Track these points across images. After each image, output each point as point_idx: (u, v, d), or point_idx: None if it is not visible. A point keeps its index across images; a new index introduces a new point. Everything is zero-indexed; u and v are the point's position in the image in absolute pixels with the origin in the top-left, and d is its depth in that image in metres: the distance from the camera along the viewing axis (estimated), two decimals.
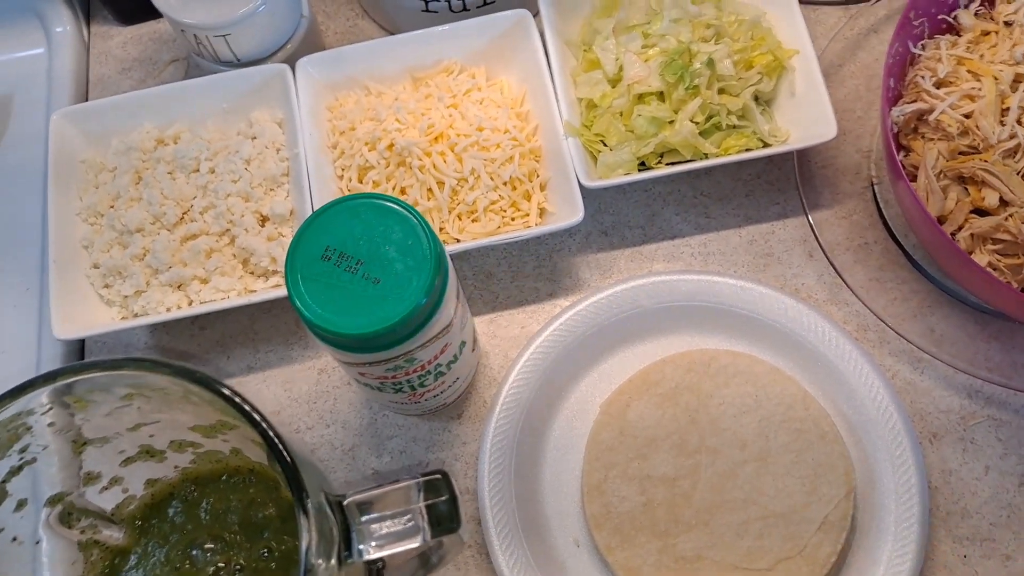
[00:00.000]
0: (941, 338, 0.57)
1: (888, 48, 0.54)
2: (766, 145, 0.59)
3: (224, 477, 0.45)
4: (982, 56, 0.57)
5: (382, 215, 0.44)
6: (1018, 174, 0.54)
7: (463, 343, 0.52)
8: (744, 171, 0.63)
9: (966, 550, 0.53)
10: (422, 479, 0.36)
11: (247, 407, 0.34)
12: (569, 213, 0.56)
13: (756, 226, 0.62)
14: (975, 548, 0.53)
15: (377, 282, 0.43)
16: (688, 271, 0.59)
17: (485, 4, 0.64)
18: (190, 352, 0.62)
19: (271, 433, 0.33)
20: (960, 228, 0.55)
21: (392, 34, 0.69)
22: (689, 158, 0.59)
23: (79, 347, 0.62)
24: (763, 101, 0.61)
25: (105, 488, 0.43)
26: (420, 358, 0.47)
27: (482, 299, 0.62)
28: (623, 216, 0.63)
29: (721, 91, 0.59)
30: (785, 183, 0.63)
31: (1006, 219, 0.53)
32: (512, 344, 0.60)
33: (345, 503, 0.35)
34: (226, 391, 0.34)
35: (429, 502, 0.35)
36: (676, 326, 0.59)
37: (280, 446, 0.33)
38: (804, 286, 0.60)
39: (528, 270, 0.62)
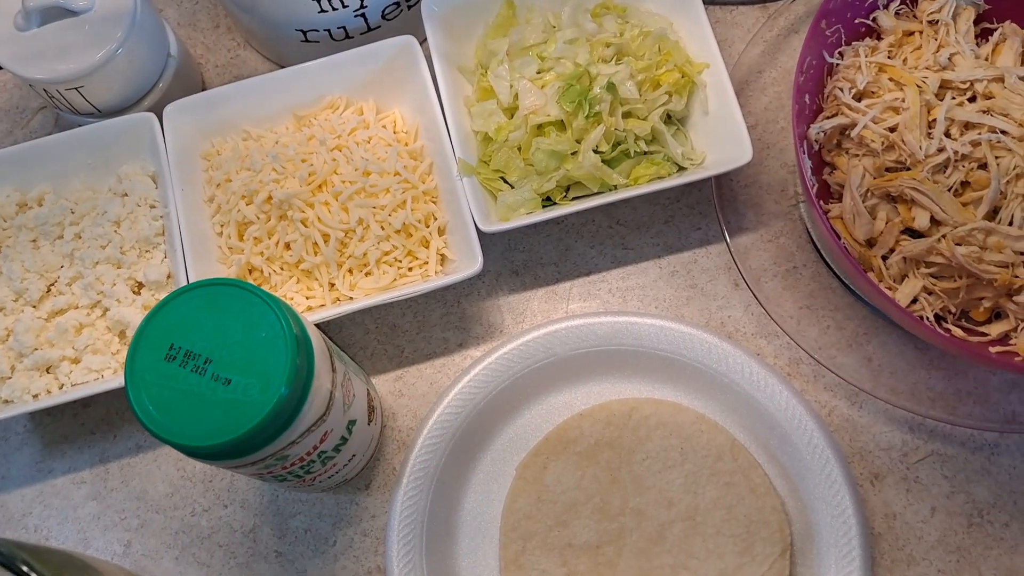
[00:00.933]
0: (879, 368, 0.53)
1: (798, 62, 0.49)
2: (681, 169, 0.55)
3: None
4: (905, 61, 0.52)
5: (231, 302, 0.39)
6: (949, 190, 0.49)
7: (352, 422, 0.47)
8: (662, 195, 0.58)
9: None
10: None
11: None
12: (468, 263, 0.52)
13: (677, 255, 0.57)
14: None
15: (228, 383, 0.38)
16: (605, 312, 0.54)
17: (369, 30, 0.59)
18: (73, 434, 0.57)
19: None
20: (892, 250, 0.51)
21: (278, 64, 0.64)
22: (597, 191, 0.54)
23: None
24: (676, 120, 0.56)
25: None
26: (295, 453, 0.42)
27: (386, 354, 0.57)
28: (535, 253, 0.58)
29: (627, 115, 0.54)
30: (706, 205, 0.58)
31: (938, 241, 0.49)
32: (421, 402, 0.56)
33: None
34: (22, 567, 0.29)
35: None
36: (595, 373, 0.54)
37: None
38: (731, 319, 0.56)
39: (435, 319, 0.57)
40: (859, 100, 0.51)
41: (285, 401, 0.38)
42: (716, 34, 0.61)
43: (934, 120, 0.50)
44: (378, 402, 0.53)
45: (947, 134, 0.49)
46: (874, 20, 0.53)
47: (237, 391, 0.38)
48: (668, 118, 0.56)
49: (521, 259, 0.58)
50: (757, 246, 0.56)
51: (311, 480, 0.47)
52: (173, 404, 0.38)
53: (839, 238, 0.47)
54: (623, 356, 0.54)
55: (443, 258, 0.54)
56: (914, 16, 0.54)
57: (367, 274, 0.53)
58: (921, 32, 0.53)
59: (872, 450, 0.52)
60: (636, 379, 0.54)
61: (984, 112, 0.49)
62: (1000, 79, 0.50)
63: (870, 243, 0.52)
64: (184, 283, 0.52)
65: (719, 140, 0.54)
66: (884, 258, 0.51)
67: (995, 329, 0.50)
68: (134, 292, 0.54)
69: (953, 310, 0.50)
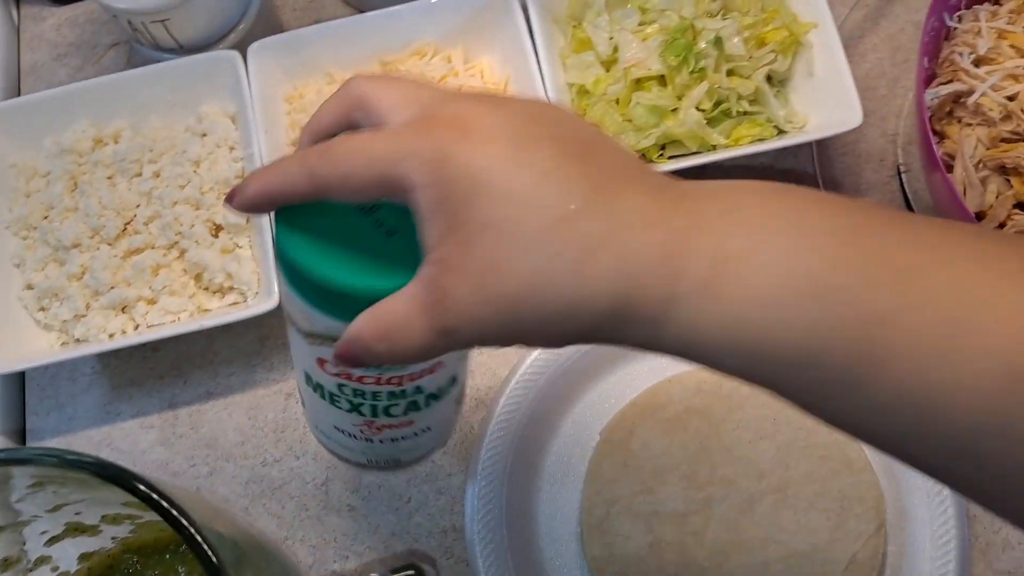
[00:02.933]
0: None
1: (924, 23, 0.47)
2: (781, 132, 0.53)
3: (171, 546, 0.39)
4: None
5: None
6: None
7: (453, 379, 0.44)
8: (756, 160, 0.56)
9: None
10: None
11: (165, 504, 0.27)
12: None
13: None
14: None
15: (392, 234, 0.32)
16: None
17: None
18: (141, 378, 0.55)
19: (197, 537, 0.27)
20: (1002, 225, 0.49)
21: (357, 8, 0.62)
22: (695, 150, 0.52)
23: (19, 379, 0.56)
24: (777, 82, 0.54)
25: (30, 570, 0.37)
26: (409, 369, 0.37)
27: None
28: None
29: (730, 73, 0.52)
30: (801, 173, 0.56)
31: None
32: (501, 363, 0.54)
33: None
34: (141, 487, 0.28)
35: None
36: None
37: (208, 552, 0.27)
38: None
39: None
40: (977, 66, 0.49)
41: None
42: None
43: None
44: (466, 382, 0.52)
45: None
46: None
47: (399, 246, 0.31)
48: (768, 79, 0.54)
49: None
50: None
51: (377, 429, 0.41)
52: (323, 235, 0.32)
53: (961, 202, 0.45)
54: None
55: None
56: None
57: None
58: None
59: None
60: None
61: None
62: None
63: (979, 216, 0.50)
64: (267, 227, 0.51)
65: (824, 103, 0.52)
66: None
67: None
68: (212, 235, 0.53)
69: None
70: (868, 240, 0.23)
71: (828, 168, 0.55)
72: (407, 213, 0.30)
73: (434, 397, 0.43)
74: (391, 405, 0.40)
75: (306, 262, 0.31)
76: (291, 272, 0.32)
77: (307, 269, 0.31)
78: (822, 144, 0.55)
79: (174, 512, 0.27)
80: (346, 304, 0.32)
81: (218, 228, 0.53)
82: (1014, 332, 0.22)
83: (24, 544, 0.37)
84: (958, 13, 0.51)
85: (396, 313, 0.26)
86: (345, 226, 0.31)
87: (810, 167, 0.55)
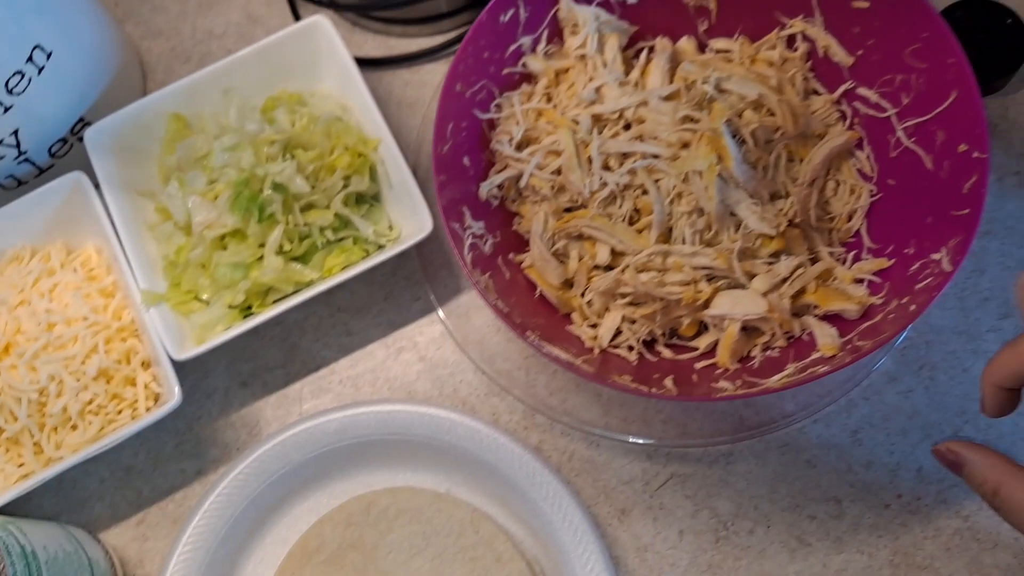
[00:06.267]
0: (609, 402, 0.53)
1: (436, 131, 0.48)
2: (380, 248, 0.54)
3: None
4: (559, 102, 0.52)
5: None
6: (625, 220, 0.50)
7: None
8: (376, 273, 0.57)
9: None
10: None
11: None
12: (167, 394, 0.50)
13: (401, 331, 0.56)
14: None
15: None
16: (331, 409, 0.53)
17: (42, 173, 0.57)
18: None
19: None
20: (584, 290, 0.51)
21: None
22: (293, 290, 0.53)
23: None
24: (370, 198, 0.55)
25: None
26: None
27: (125, 500, 0.54)
28: (261, 359, 0.56)
29: (309, 207, 0.53)
30: (421, 274, 0.57)
31: (622, 272, 0.49)
32: (167, 542, 0.53)
33: None
34: None
35: None
36: (335, 471, 0.53)
37: None
38: (463, 383, 0.55)
39: (169, 451, 0.55)
40: (524, 148, 0.51)
41: None
42: (407, 96, 0.61)
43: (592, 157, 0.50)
44: (116, 562, 0.51)
45: (607, 167, 0.50)
46: (524, 66, 0.53)
47: None
48: (359, 199, 0.55)
49: (248, 369, 0.56)
50: (477, 304, 0.56)
51: None
52: None
53: (503, 311, 0.46)
54: (360, 448, 0.53)
55: (156, 392, 0.52)
56: (564, 54, 0.54)
57: (73, 428, 0.51)
58: (574, 67, 0.53)
59: (615, 486, 0.52)
60: (377, 468, 0.53)
61: (636, 139, 0.50)
62: (647, 103, 0.50)
63: (569, 284, 0.52)
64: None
65: (407, 212, 0.54)
66: (583, 294, 0.51)
67: (702, 342, 0.51)
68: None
69: (661, 332, 0.50)
70: None
71: (444, 265, 0.56)
72: None
73: None
74: None
75: None
76: None
77: None
78: (425, 246, 0.56)
79: None
80: None
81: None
82: None
83: None
84: (496, 102, 0.53)
85: None
86: None
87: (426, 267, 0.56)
